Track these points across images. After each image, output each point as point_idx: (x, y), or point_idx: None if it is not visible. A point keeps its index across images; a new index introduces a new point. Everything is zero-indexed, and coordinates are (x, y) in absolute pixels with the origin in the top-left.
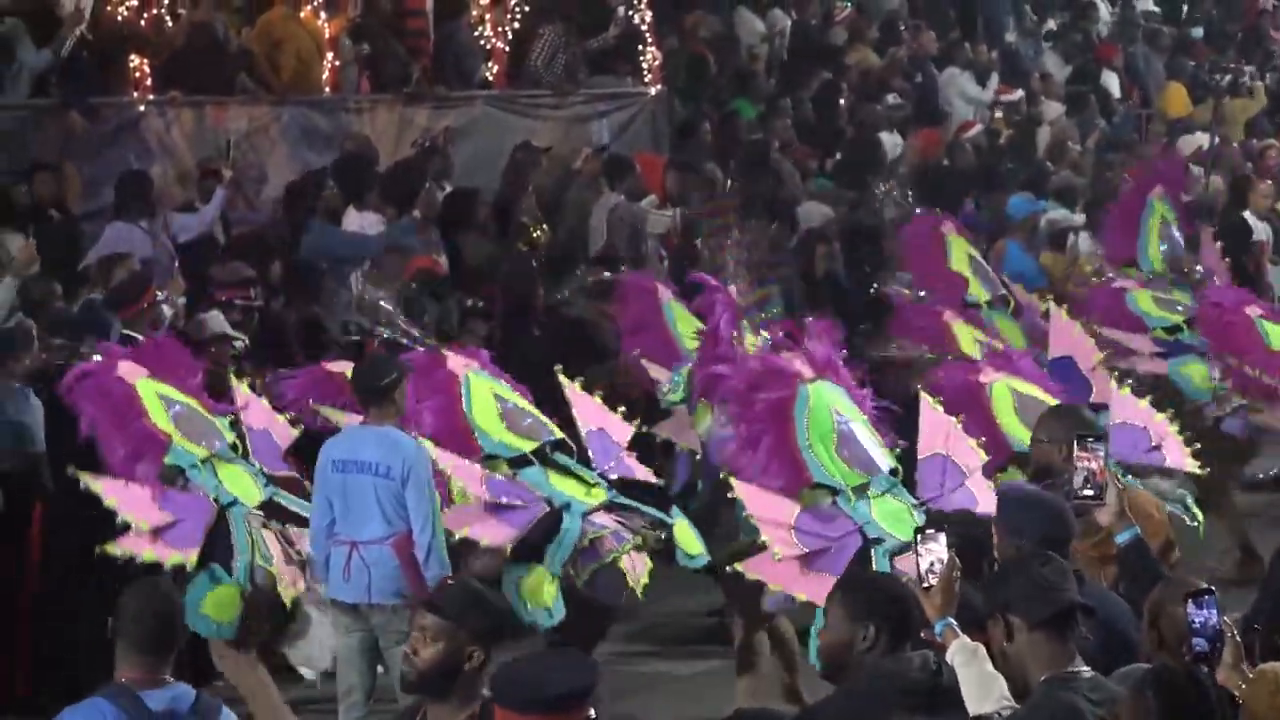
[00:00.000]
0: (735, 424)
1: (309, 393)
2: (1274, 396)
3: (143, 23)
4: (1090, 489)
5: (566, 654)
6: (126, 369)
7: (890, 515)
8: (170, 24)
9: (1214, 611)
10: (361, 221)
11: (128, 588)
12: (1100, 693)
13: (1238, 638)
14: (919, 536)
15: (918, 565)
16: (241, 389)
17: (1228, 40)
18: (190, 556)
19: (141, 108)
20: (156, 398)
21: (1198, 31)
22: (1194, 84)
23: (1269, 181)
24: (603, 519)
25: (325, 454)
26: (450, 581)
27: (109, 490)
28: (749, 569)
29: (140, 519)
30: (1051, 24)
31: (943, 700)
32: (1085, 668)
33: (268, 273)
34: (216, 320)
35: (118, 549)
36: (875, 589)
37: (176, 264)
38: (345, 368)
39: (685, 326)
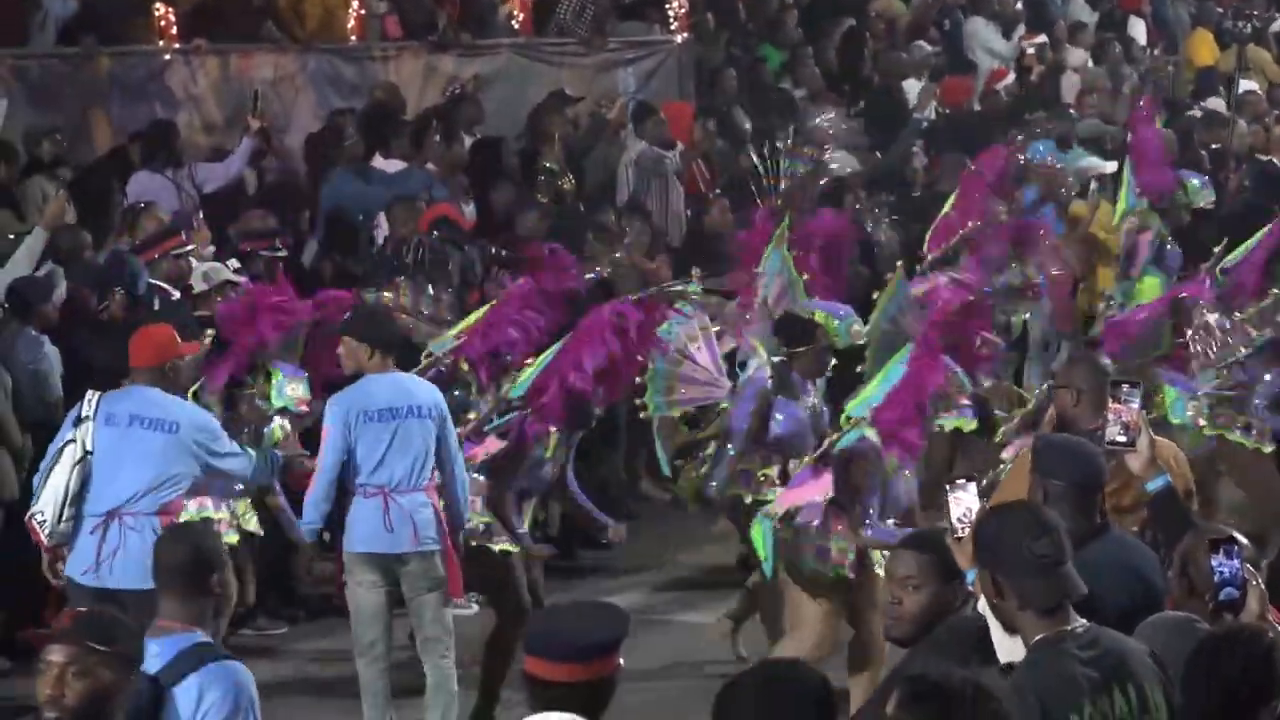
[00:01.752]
0: None
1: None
2: None
3: None
4: (1123, 435)
5: (600, 605)
6: None
7: None
8: None
9: (1239, 560)
10: (387, 170)
11: (164, 534)
12: (1095, 648)
13: (1262, 586)
14: (949, 486)
15: (949, 514)
16: None
17: None
18: None
19: (167, 57)
20: None
21: None
22: (1220, 31)
23: None
24: None
25: (349, 406)
26: (84, 611)
27: None
28: None
29: None
30: None
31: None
32: (1079, 622)
33: (296, 222)
34: (219, 269)
35: None
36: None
37: (201, 215)
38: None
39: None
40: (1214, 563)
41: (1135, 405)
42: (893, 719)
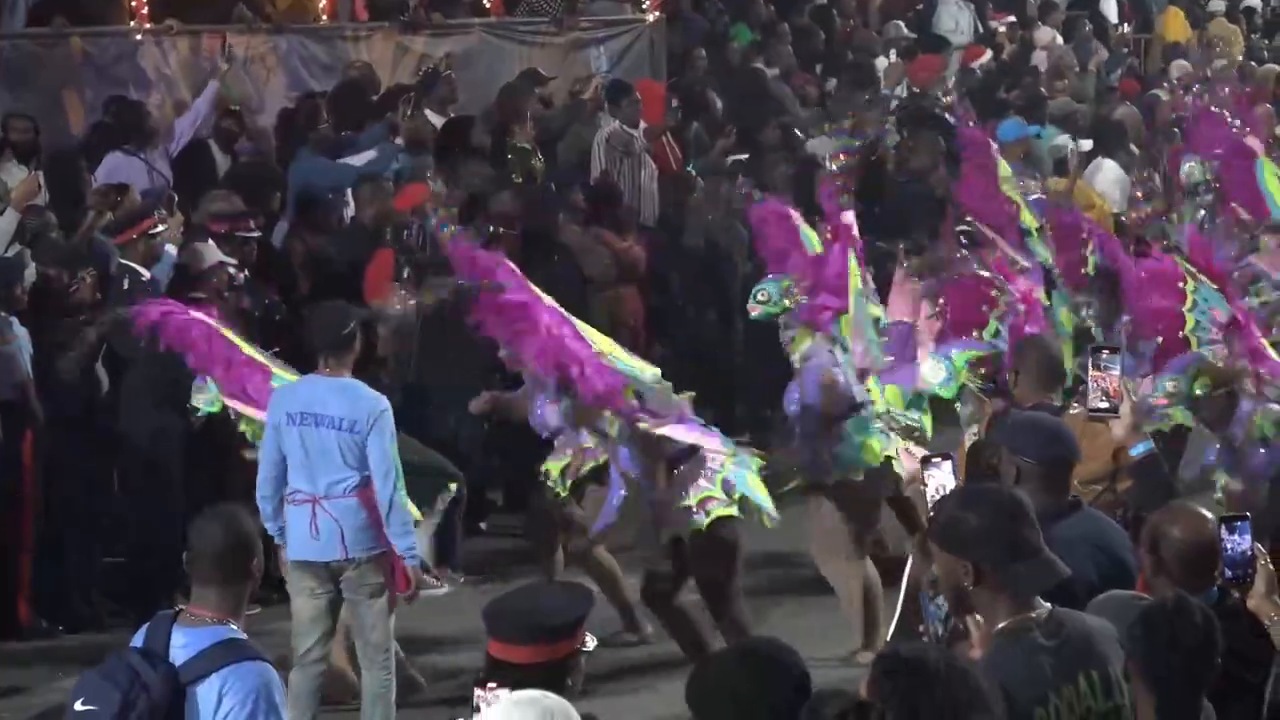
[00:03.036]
0: None
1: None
2: None
3: None
4: (1105, 403)
5: (563, 585)
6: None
7: None
8: None
9: (1247, 537)
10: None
11: (199, 518)
12: (1059, 635)
13: (1270, 565)
14: (923, 463)
15: (924, 492)
16: None
17: None
18: None
19: (139, 37)
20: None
21: None
22: (1192, 7)
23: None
24: None
25: (277, 406)
26: None
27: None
28: None
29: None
30: None
31: None
32: (1044, 606)
33: (268, 203)
34: (211, 250)
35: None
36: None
37: (176, 200)
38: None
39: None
40: (1222, 538)
41: (1116, 372)
42: (867, 697)
